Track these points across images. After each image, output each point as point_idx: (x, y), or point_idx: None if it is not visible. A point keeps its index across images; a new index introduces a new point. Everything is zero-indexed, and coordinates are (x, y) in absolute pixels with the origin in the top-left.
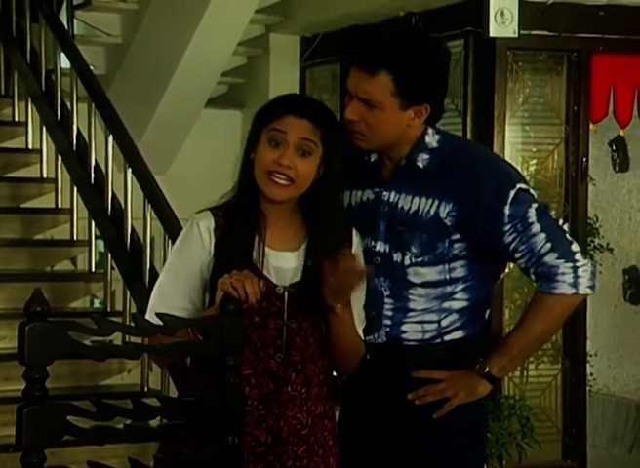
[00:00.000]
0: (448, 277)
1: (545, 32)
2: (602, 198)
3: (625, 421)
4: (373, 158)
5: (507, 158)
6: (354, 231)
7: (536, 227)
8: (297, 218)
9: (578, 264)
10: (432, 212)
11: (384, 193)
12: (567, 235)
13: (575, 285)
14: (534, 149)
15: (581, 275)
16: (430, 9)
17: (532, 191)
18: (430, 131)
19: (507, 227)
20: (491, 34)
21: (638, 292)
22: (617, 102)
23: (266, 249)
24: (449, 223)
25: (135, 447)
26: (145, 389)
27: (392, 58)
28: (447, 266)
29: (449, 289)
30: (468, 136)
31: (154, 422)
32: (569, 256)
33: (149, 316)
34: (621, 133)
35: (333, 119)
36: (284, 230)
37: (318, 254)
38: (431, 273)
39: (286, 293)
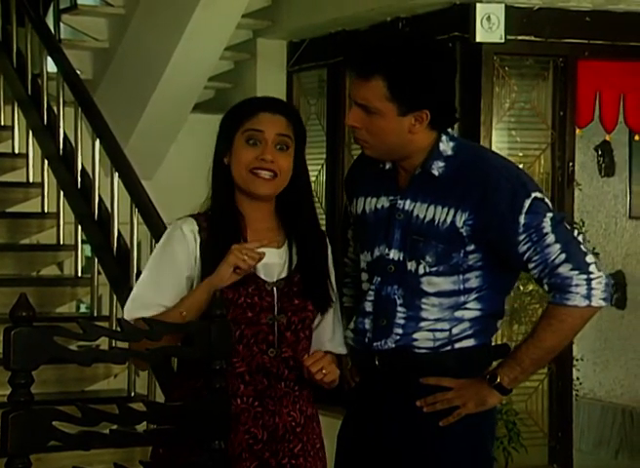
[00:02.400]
0: (462, 287)
1: (532, 38)
2: (588, 203)
3: (611, 426)
4: (388, 166)
5: None
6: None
7: (550, 238)
8: (275, 220)
9: (592, 276)
10: (448, 221)
11: (400, 201)
12: (582, 246)
13: (588, 297)
14: (520, 154)
15: (595, 287)
16: (417, 14)
17: (547, 200)
18: (444, 138)
19: (522, 237)
20: (477, 39)
21: (624, 296)
22: (602, 108)
23: None
24: (465, 233)
25: (121, 452)
26: (132, 394)
27: (384, 62)
28: (462, 277)
29: (462, 298)
30: None
31: (141, 427)
32: (583, 268)
33: (129, 309)
34: (607, 138)
35: (299, 114)
36: (265, 230)
37: (302, 250)
38: (445, 283)
39: (275, 289)
